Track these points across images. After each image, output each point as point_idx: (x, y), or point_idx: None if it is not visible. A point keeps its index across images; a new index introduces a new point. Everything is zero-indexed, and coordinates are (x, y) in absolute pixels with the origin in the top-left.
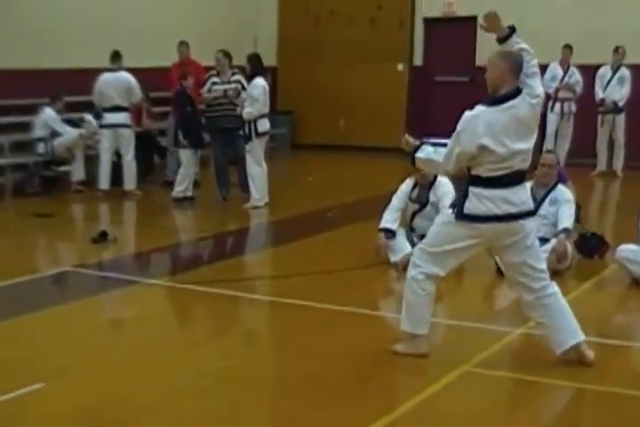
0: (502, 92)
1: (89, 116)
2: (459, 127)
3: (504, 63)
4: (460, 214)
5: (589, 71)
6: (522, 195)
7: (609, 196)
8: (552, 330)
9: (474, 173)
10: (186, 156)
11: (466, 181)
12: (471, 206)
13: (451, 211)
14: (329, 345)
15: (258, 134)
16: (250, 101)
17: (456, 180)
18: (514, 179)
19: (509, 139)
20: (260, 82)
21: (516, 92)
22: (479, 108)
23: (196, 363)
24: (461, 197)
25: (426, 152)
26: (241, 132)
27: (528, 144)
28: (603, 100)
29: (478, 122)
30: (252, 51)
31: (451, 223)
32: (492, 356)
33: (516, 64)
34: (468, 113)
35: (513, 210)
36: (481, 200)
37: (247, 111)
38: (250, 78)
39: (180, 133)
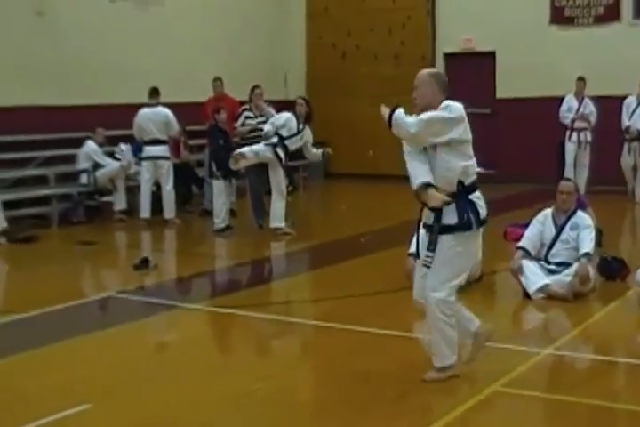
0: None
1: (124, 146)
2: (453, 114)
3: (435, 82)
4: (479, 221)
5: (604, 102)
6: None
7: (630, 221)
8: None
9: (468, 182)
10: (218, 186)
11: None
12: (482, 211)
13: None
14: (364, 366)
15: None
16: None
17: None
18: None
19: None
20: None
21: None
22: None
23: (236, 385)
24: (465, 207)
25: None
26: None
27: None
28: (628, 128)
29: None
30: (283, 85)
31: (463, 243)
32: (521, 376)
33: (444, 82)
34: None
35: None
36: (479, 204)
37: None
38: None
39: (214, 165)
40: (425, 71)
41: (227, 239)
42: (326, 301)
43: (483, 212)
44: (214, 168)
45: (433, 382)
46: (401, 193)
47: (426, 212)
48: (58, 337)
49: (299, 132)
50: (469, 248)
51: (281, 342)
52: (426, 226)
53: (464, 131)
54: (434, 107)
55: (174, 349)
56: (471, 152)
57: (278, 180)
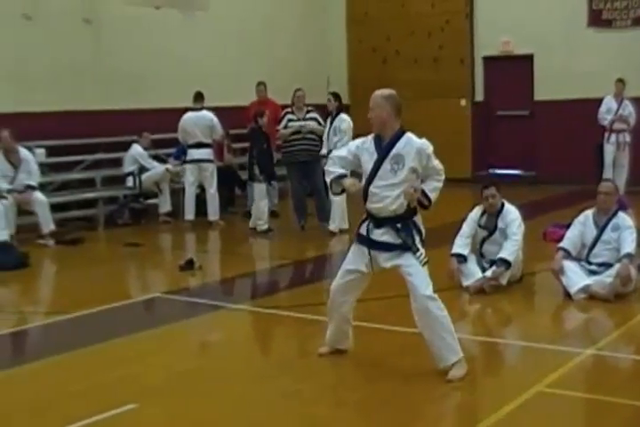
0: (391, 129)
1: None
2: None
3: (388, 104)
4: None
5: None
6: None
7: None
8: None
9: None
10: (259, 189)
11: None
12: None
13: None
14: (408, 366)
15: None
16: (339, 135)
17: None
18: None
19: None
20: (347, 117)
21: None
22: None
23: (281, 384)
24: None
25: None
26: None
27: None
28: None
29: None
30: (326, 90)
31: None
32: (564, 376)
33: (397, 105)
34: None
35: None
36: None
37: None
38: (336, 114)
39: (257, 168)
40: (379, 93)
41: (269, 240)
42: (369, 301)
43: None
44: (257, 171)
45: (475, 377)
46: (441, 195)
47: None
48: (104, 337)
49: (330, 126)
50: None
51: (324, 342)
52: None
53: None
54: (389, 127)
55: (219, 348)
56: None
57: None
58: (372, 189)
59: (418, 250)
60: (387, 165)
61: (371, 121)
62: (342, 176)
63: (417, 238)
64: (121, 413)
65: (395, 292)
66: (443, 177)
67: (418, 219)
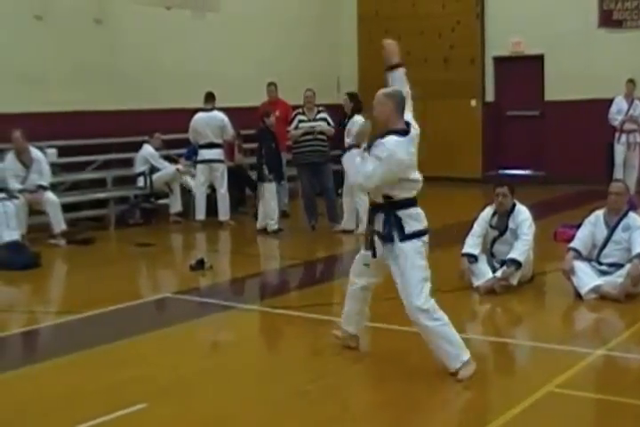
0: (392, 127)
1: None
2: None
3: (390, 101)
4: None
5: None
6: None
7: None
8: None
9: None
10: (269, 189)
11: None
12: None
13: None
14: (417, 366)
15: None
16: (350, 138)
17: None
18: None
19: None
20: (360, 119)
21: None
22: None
23: (290, 385)
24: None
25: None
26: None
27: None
28: None
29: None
30: (336, 90)
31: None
32: (575, 376)
33: (400, 102)
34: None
35: None
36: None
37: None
38: (350, 115)
39: (266, 168)
40: (382, 91)
41: (280, 240)
42: (379, 301)
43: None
44: (266, 171)
45: (485, 376)
46: (451, 195)
47: None
48: (115, 337)
49: (344, 126)
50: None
51: (334, 342)
52: None
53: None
54: (391, 123)
55: (229, 348)
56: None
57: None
58: None
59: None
60: None
61: (375, 118)
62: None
63: (394, 230)
64: (131, 413)
65: None
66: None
67: (404, 213)
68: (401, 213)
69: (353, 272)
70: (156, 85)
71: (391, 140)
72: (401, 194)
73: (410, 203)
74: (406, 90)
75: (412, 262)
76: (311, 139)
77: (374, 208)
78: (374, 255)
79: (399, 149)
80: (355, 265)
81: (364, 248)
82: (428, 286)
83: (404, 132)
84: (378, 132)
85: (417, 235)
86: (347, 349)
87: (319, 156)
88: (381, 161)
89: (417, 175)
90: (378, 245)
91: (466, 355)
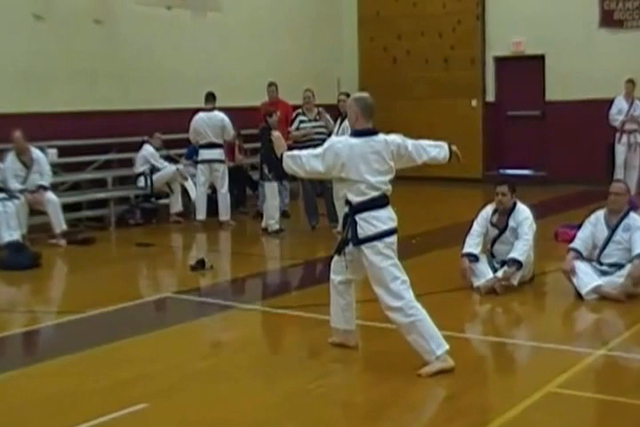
0: (355, 128)
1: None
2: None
3: (356, 105)
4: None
5: None
6: None
7: None
8: None
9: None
10: (271, 188)
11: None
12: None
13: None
14: (416, 366)
15: None
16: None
17: None
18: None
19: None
20: None
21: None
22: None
23: (291, 385)
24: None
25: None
26: None
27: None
28: None
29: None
30: (336, 90)
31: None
32: (575, 377)
33: (366, 105)
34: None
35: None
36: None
37: None
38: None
39: (266, 167)
40: (352, 96)
41: (281, 240)
42: (376, 301)
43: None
44: (266, 170)
45: (486, 376)
46: (451, 195)
47: None
48: (115, 337)
49: (339, 126)
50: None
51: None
52: None
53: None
54: (357, 125)
55: (230, 348)
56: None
57: None
58: None
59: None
60: None
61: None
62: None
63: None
64: (131, 413)
65: None
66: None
67: (360, 217)
68: (357, 216)
69: (332, 271)
70: (156, 85)
71: (343, 137)
72: (356, 197)
73: (366, 206)
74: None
75: (375, 265)
76: (312, 139)
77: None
78: (339, 253)
79: (341, 144)
80: (333, 264)
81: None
82: (398, 283)
83: (365, 133)
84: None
85: (375, 237)
86: (346, 349)
87: None
88: (321, 148)
89: (369, 178)
90: (348, 248)
91: (439, 350)
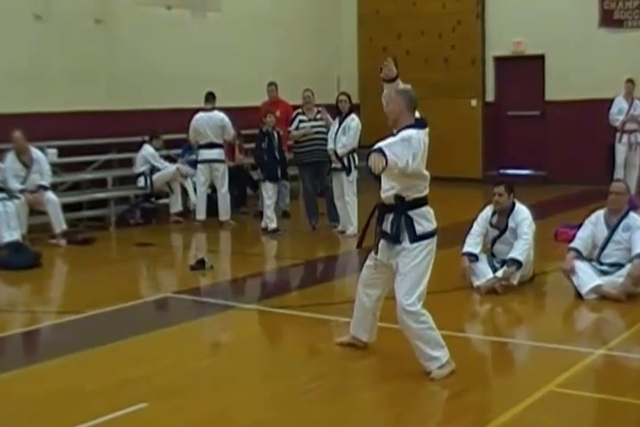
0: (403, 123)
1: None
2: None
3: (401, 99)
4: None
5: None
6: None
7: None
8: None
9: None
10: (265, 188)
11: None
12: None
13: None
14: (418, 366)
15: (356, 166)
16: (348, 133)
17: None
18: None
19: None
20: (356, 117)
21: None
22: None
23: (291, 384)
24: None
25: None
26: (330, 165)
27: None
28: None
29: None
30: (336, 89)
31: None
32: (575, 376)
33: (411, 99)
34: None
35: None
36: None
37: (342, 145)
38: (347, 114)
39: (259, 169)
40: (395, 89)
41: (281, 240)
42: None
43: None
44: (259, 171)
45: (487, 376)
46: (451, 195)
47: None
48: (116, 337)
49: (339, 125)
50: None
51: (333, 341)
52: None
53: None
54: (402, 120)
55: (229, 348)
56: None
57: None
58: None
59: (410, 242)
60: None
61: (387, 115)
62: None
63: (403, 232)
64: (131, 412)
65: None
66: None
67: (416, 214)
68: (412, 212)
69: (361, 282)
70: (156, 85)
71: (407, 130)
72: (412, 194)
73: (421, 202)
74: None
75: (416, 263)
76: (313, 138)
77: (384, 209)
78: (376, 253)
79: (415, 136)
80: (363, 274)
81: (372, 255)
82: (421, 289)
83: (420, 125)
84: (390, 129)
85: (428, 235)
86: (346, 348)
87: (320, 155)
88: (402, 141)
89: (427, 172)
90: (383, 247)
91: (444, 358)
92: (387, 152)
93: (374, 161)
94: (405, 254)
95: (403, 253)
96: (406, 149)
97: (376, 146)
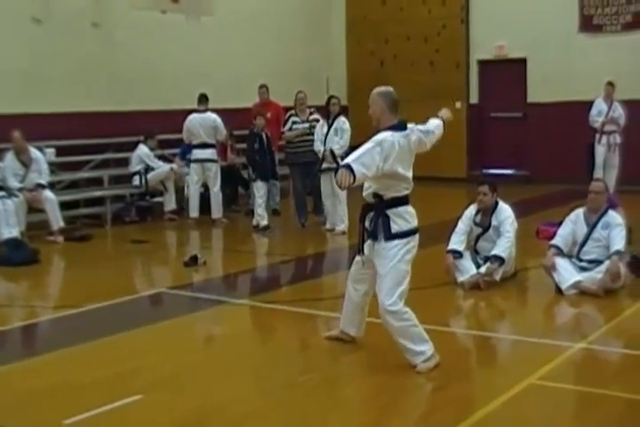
0: (385, 124)
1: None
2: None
3: (382, 100)
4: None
5: (632, 105)
6: None
7: None
8: None
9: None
10: (256, 187)
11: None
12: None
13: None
14: (404, 360)
15: None
16: (340, 134)
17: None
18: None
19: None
20: (346, 120)
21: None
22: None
23: (282, 377)
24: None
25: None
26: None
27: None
28: None
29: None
30: (325, 92)
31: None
32: (555, 369)
33: (392, 101)
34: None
35: None
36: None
37: (339, 146)
38: (337, 115)
39: (250, 168)
40: (375, 90)
41: (271, 238)
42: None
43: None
44: (250, 170)
45: (469, 369)
46: (436, 194)
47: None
48: (111, 331)
49: (329, 127)
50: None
51: (323, 336)
52: None
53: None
54: (383, 121)
55: (222, 342)
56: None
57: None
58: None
59: (385, 239)
60: None
61: (371, 116)
62: None
63: (381, 229)
64: (126, 404)
65: None
66: None
67: (394, 213)
68: (390, 211)
69: (350, 278)
70: (151, 87)
71: (382, 133)
72: (390, 193)
73: (399, 202)
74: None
75: (393, 264)
76: (305, 139)
77: (366, 207)
78: (361, 252)
79: (389, 138)
80: (351, 270)
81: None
82: (402, 288)
83: (399, 127)
84: (373, 130)
85: (404, 234)
86: (334, 342)
87: (312, 156)
88: (372, 143)
89: (407, 173)
90: (368, 244)
91: (429, 352)
92: (354, 167)
93: (341, 177)
94: (383, 255)
95: (381, 252)
96: (377, 154)
97: (345, 160)
